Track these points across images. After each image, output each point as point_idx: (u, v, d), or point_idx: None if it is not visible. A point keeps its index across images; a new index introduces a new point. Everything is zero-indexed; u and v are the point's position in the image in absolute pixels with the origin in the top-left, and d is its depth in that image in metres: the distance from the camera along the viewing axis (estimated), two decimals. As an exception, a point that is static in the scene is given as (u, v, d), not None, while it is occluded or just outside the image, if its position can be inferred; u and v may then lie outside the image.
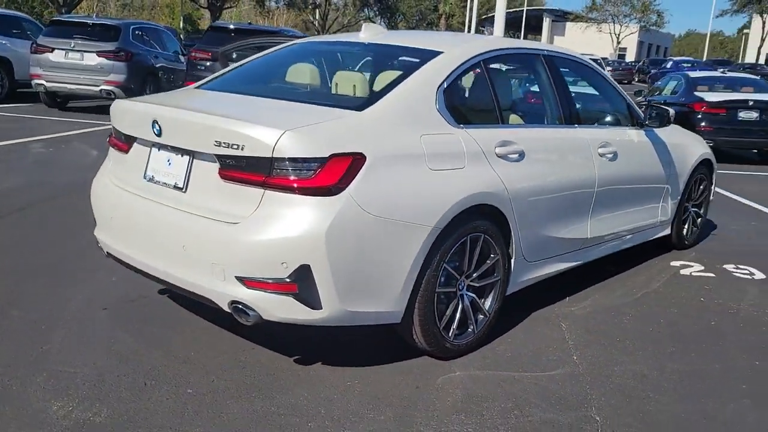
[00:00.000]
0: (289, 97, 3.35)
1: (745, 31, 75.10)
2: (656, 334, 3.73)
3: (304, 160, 2.68)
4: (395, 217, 2.85)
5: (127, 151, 3.33)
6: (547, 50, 4.17)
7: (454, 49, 3.52)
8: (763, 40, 52.25)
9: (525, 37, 64.56)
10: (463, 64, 3.44)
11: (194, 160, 2.96)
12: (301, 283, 2.72)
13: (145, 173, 3.19)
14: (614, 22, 65.33)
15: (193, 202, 2.93)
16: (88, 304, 3.74)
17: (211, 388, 2.90)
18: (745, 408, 2.97)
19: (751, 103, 10.96)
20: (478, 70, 3.60)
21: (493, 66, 3.73)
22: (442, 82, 3.29)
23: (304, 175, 2.68)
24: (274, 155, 2.68)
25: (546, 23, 76.39)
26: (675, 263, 5.08)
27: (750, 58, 60.57)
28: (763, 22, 51.93)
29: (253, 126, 2.75)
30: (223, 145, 2.77)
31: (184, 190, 2.98)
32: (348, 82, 3.51)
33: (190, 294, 2.99)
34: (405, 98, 3.15)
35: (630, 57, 71.01)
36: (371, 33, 3.90)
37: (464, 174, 3.17)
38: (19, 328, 3.38)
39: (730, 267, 5.04)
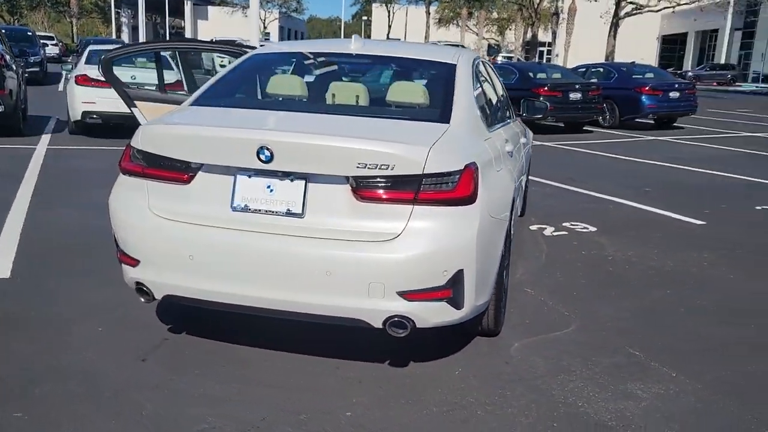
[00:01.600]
0: (363, 113, 3.44)
1: (363, 18, 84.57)
2: (593, 286, 4.69)
3: (448, 173, 2.89)
4: (496, 215, 3.23)
5: (187, 182, 3.03)
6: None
7: (461, 60, 3.90)
8: (390, 27, 59.53)
9: (168, 21, 63.30)
10: (471, 72, 3.87)
11: (309, 183, 2.90)
12: (454, 288, 2.95)
13: (232, 203, 2.97)
14: (261, 8, 67.56)
15: (317, 226, 2.89)
16: (117, 359, 3.26)
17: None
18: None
19: (577, 86, 14.59)
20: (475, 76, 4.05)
21: (479, 69, 4.20)
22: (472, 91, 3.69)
23: (447, 188, 2.89)
24: (425, 172, 2.84)
25: (188, 7, 75.27)
26: (533, 227, 6.19)
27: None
28: (389, 12, 59.15)
29: (404, 145, 2.86)
30: (369, 166, 2.81)
31: (301, 215, 2.90)
32: (403, 94, 3.63)
33: (324, 318, 2.96)
34: (467, 108, 3.48)
35: (274, 40, 74.47)
36: (359, 44, 4.03)
37: (507, 171, 3.67)
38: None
39: (569, 225, 6.33)
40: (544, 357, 3.51)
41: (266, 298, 2.94)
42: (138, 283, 3.15)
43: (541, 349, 3.60)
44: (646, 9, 36.22)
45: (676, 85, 15.98)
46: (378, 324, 2.92)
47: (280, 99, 3.71)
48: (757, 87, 41.28)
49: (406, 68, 4.09)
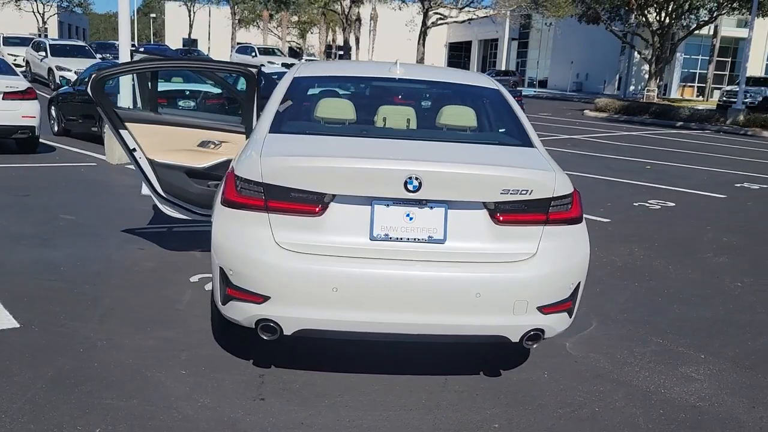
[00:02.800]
0: (463, 140, 3.58)
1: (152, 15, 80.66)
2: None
3: (567, 196, 3.18)
4: None
5: (319, 213, 3.00)
6: None
7: (498, 85, 4.18)
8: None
9: None
10: (510, 96, 4.16)
11: (449, 210, 3.03)
12: (573, 299, 3.25)
13: (372, 233, 3.00)
14: (37, 1, 61.25)
15: (459, 251, 3.03)
16: (235, 402, 3.10)
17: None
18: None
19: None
20: None
21: None
22: None
23: (566, 209, 3.19)
24: (554, 195, 3.11)
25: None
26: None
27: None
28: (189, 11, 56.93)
29: (540, 171, 3.10)
30: (512, 192, 3.02)
31: (443, 240, 3.02)
32: (458, 117, 3.78)
33: (467, 338, 3.11)
34: (534, 132, 3.77)
35: (53, 36, 67.93)
36: (403, 69, 4.11)
37: None
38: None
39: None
40: (598, 353, 3.92)
41: (412, 324, 3.00)
42: (263, 320, 3.03)
43: (589, 346, 4.01)
44: (451, 20, 38.93)
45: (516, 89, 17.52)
46: (516, 338, 3.12)
47: (372, 125, 3.73)
48: (535, 91, 46.18)
49: (460, 93, 4.27)
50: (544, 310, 3.10)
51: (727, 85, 42.01)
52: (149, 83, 5.04)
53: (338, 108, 3.75)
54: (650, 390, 3.50)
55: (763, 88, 33.69)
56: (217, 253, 3.12)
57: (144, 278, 4.71)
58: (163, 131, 4.67)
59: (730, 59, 47.70)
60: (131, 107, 6.38)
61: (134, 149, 4.65)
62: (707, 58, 44.88)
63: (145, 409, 3.00)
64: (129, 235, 5.69)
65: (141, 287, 4.51)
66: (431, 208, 3.01)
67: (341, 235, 3.01)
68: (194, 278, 4.81)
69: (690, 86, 47.57)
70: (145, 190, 5.23)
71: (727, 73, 47.96)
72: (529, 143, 3.57)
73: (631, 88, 47.17)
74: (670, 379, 3.64)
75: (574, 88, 49.61)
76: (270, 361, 3.51)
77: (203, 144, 4.68)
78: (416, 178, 2.94)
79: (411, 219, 3.01)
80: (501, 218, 3.05)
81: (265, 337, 3.10)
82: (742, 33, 45.53)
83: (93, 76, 4.50)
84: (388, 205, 3.00)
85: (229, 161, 4.22)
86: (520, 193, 3.03)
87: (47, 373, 3.24)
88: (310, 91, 3.98)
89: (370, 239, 3.00)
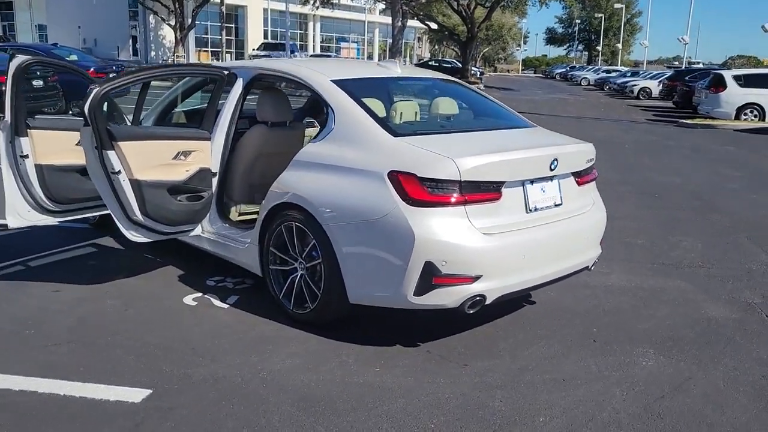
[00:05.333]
0: (503, 125, 4.38)
1: None
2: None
3: (593, 160, 4.47)
4: None
5: (498, 199, 3.67)
6: None
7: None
8: None
9: None
10: None
11: (560, 180, 4.05)
12: None
13: (527, 207, 3.81)
14: None
15: (567, 210, 4.05)
16: None
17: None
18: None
19: (38, 72, 12.02)
20: None
21: None
22: None
23: (593, 173, 4.45)
24: (592, 162, 4.39)
25: None
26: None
27: None
28: None
29: (591, 145, 4.29)
30: (588, 161, 4.19)
31: (561, 204, 4.03)
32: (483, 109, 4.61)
33: (576, 273, 4.15)
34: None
35: None
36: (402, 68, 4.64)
37: None
38: None
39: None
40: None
41: (559, 270, 3.93)
42: (474, 296, 3.54)
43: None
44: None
45: (115, 67, 16.69)
46: (591, 266, 4.30)
47: (450, 119, 4.25)
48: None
49: (444, 87, 4.93)
50: (601, 242, 4.39)
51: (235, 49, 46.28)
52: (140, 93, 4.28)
53: (409, 108, 4.21)
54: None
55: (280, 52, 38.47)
56: (423, 249, 3.43)
57: (140, 310, 4.12)
58: (147, 147, 4.06)
59: (234, 25, 52.19)
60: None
61: (119, 171, 3.96)
62: (217, 24, 48.15)
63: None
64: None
65: (149, 322, 4.01)
66: (550, 181, 3.95)
67: (511, 213, 3.71)
68: (188, 299, 4.43)
69: (205, 51, 50.51)
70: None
71: (234, 38, 52.50)
72: (530, 123, 4.68)
73: (152, 54, 47.54)
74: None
75: (86, 54, 47.24)
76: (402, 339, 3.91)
77: (176, 156, 4.28)
78: (556, 159, 3.85)
79: (544, 192, 3.89)
80: (580, 182, 4.17)
81: (471, 311, 3.61)
82: (242, 1, 50.37)
83: (93, 92, 3.66)
84: (532, 182, 3.82)
85: (201, 171, 4.18)
86: (591, 161, 4.21)
87: None
88: (364, 95, 4.21)
89: (526, 212, 3.79)
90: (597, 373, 3.57)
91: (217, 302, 4.39)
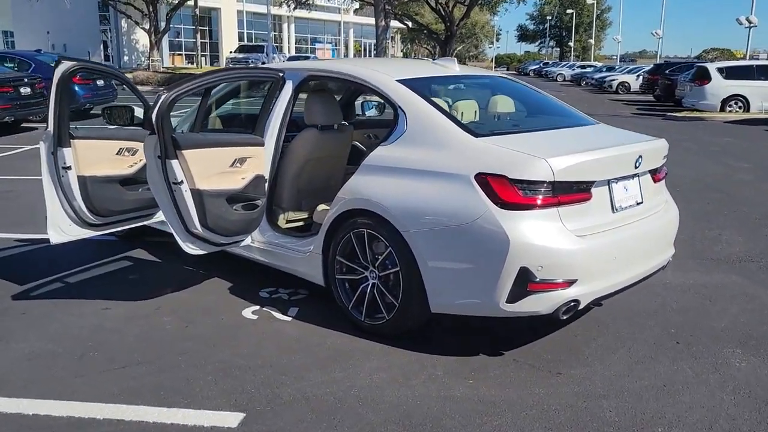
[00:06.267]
0: (574, 123, 4.24)
1: None
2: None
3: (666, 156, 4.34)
4: None
5: (589, 199, 3.54)
6: None
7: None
8: None
9: None
10: None
11: (640, 178, 3.92)
12: None
13: (613, 207, 3.68)
14: None
15: (647, 208, 3.92)
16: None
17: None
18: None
19: (25, 79, 13.57)
20: None
21: None
22: None
23: (665, 170, 4.32)
24: (666, 159, 4.26)
25: None
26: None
27: None
28: None
29: (664, 140, 4.17)
30: (664, 156, 4.08)
31: (642, 202, 3.91)
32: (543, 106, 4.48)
33: (651, 275, 4.03)
34: None
35: None
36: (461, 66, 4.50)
37: None
38: None
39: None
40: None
41: (644, 270, 3.80)
42: (570, 301, 3.41)
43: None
44: None
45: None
46: (665, 265, 4.18)
47: (513, 117, 4.09)
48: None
49: (503, 85, 4.79)
50: (674, 242, 4.28)
51: (209, 52, 45.74)
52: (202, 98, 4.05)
53: (470, 108, 4.08)
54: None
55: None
56: (518, 254, 3.29)
57: (200, 325, 3.91)
58: (208, 155, 3.85)
59: (207, 28, 51.56)
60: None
61: (181, 181, 3.75)
62: (191, 27, 47.55)
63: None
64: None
65: (214, 339, 3.80)
66: (631, 179, 3.82)
67: (599, 214, 3.58)
68: (246, 312, 4.23)
69: (179, 54, 49.83)
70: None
71: (208, 40, 51.87)
72: (593, 119, 4.55)
73: (125, 58, 46.74)
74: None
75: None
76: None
77: (233, 164, 4.08)
78: (641, 157, 3.73)
79: (626, 190, 3.77)
80: (656, 179, 4.06)
81: (564, 317, 3.47)
82: (216, 3, 49.79)
83: (161, 98, 3.44)
84: (617, 181, 3.70)
85: (257, 178, 4.00)
86: (665, 158, 4.10)
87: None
88: (431, 95, 4.05)
89: (612, 212, 3.67)
90: (694, 377, 3.47)
91: (278, 315, 4.20)
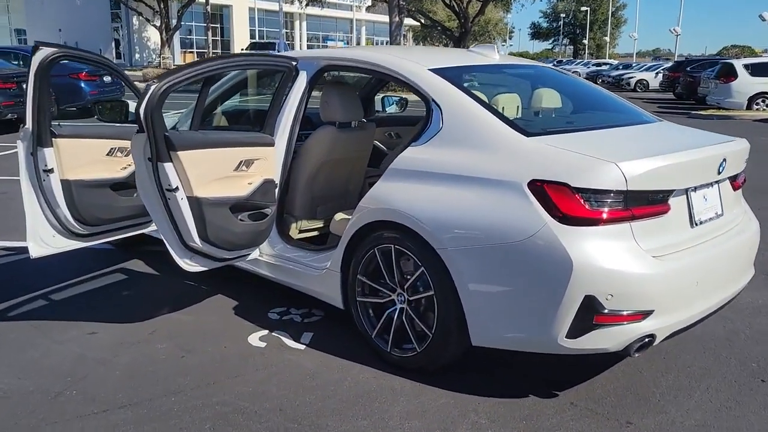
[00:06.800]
0: (633, 120, 3.62)
1: None
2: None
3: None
4: None
5: (667, 212, 2.93)
6: None
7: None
8: None
9: None
10: None
11: (719, 185, 3.30)
12: None
13: (692, 221, 3.07)
14: None
15: (728, 220, 3.31)
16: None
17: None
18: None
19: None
20: None
21: None
22: None
23: (744, 175, 3.68)
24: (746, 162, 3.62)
25: None
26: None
27: None
28: None
29: (746, 140, 3.54)
30: (745, 160, 3.45)
31: (722, 214, 3.29)
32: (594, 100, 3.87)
33: (731, 302, 3.41)
34: None
35: None
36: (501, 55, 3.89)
37: None
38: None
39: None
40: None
41: (725, 297, 3.18)
42: (644, 336, 2.81)
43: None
44: None
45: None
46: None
47: (562, 112, 3.49)
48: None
49: (546, 75, 4.18)
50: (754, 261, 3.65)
51: (221, 49, 45.22)
52: (201, 89, 3.42)
53: (511, 102, 3.49)
54: None
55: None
56: (583, 280, 2.69)
57: (200, 355, 3.34)
58: (209, 157, 3.28)
59: (219, 25, 51.15)
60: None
61: (176, 188, 3.17)
62: (202, 24, 47.10)
63: None
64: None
65: (216, 374, 3.23)
66: (712, 186, 3.21)
67: (677, 229, 2.97)
68: (253, 338, 3.65)
69: (191, 52, 49.41)
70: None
71: (219, 38, 51.44)
72: (655, 116, 3.92)
73: (137, 56, 46.39)
74: None
75: (70, 58, 45.94)
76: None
77: (238, 166, 3.50)
78: (725, 160, 3.11)
79: (706, 200, 3.16)
80: (735, 185, 3.44)
81: (636, 354, 2.87)
82: (227, 0, 49.39)
83: (150, 90, 2.86)
84: (695, 189, 3.08)
85: (266, 183, 3.43)
86: (744, 162, 3.47)
87: None
88: (471, 86, 3.45)
89: (691, 227, 3.05)
90: (796, 429, 2.84)
91: (289, 342, 3.62)
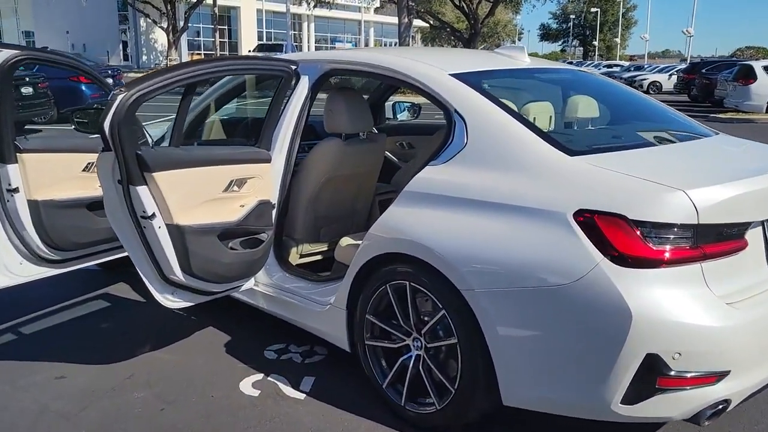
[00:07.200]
0: (689, 135, 3.11)
1: None
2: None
3: None
4: None
5: (744, 248, 2.41)
6: None
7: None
8: None
9: None
10: None
11: None
12: None
13: (768, 261, 2.55)
14: None
15: None
16: None
17: None
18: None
19: (27, 78, 12.20)
20: None
21: None
22: None
23: None
24: None
25: None
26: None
27: None
28: None
29: None
30: None
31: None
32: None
33: None
34: None
35: None
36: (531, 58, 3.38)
37: None
38: None
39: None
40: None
41: None
42: (717, 403, 2.30)
43: None
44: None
45: (111, 71, 15.34)
46: None
47: (600, 124, 2.98)
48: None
49: (582, 80, 3.67)
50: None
51: (228, 51, 44.84)
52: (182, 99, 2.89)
53: (544, 112, 2.97)
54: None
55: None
56: (645, 335, 2.18)
57: (182, 407, 2.83)
58: (192, 177, 2.79)
59: (227, 27, 50.84)
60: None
61: (152, 215, 2.68)
62: (210, 26, 46.71)
63: None
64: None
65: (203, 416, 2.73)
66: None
67: (754, 269, 2.46)
68: (245, 385, 3.16)
69: (198, 54, 49.10)
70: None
71: (227, 40, 51.14)
72: (710, 129, 3.40)
73: (144, 58, 46.12)
74: None
75: (77, 61, 45.74)
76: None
77: (229, 187, 3.01)
78: None
79: (776, 231, 2.64)
80: None
81: (706, 424, 2.35)
82: (235, 2, 49.08)
83: (117, 99, 2.37)
84: (769, 220, 2.56)
85: (261, 205, 2.95)
86: None
87: None
88: (500, 95, 2.94)
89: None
90: None
91: (287, 389, 3.13)
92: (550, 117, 3.22)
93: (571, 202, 2.32)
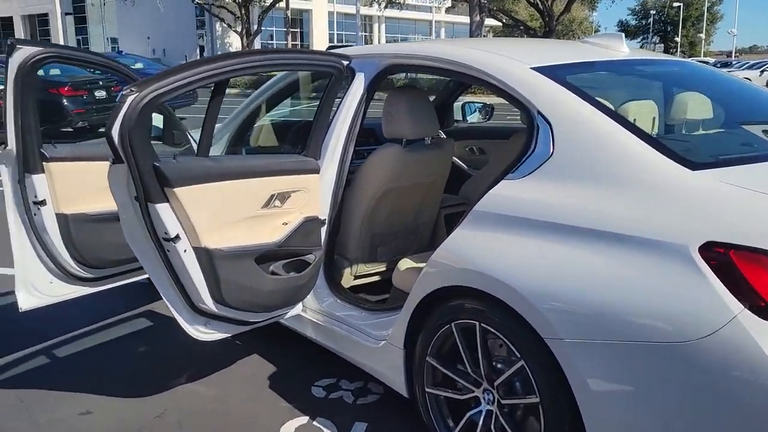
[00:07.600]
0: None
1: None
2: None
3: None
4: None
5: None
6: None
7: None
8: None
9: None
10: None
11: None
12: None
13: None
14: None
15: None
16: None
17: None
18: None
19: (100, 82, 12.15)
20: None
21: None
22: None
23: None
24: None
25: None
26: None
27: None
28: None
29: None
30: None
31: None
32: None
33: None
34: None
35: None
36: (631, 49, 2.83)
37: None
38: None
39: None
40: None
41: None
42: None
43: None
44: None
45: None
46: None
47: (715, 126, 2.42)
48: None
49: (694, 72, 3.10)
50: None
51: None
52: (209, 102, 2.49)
53: (647, 113, 2.40)
54: None
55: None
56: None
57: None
58: (223, 192, 2.39)
59: (299, 30, 51.31)
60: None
61: (176, 236, 2.29)
62: (282, 29, 47.11)
63: None
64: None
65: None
66: None
67: None
68: (290, 428, 2.73)
69: (271, 57, 49.64)
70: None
71: (299, 42, 51.58)
72: None
73: (218, 61, 46.97)
74: None
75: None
76: None
77: (269, 202, 2.58)
78: None
79: None
80: None
81: None
82: (307, 5, 49.48)
83: (128, 102, 2.00)
84: None
85: (307, 222, 2.47)
86: None
87: None
88: (595, 93, 2.40)
89: None
90: None
91: (335, 437, 2.67)
92: (654, 118, 2.65)
93: (695, 232, 1.77)
